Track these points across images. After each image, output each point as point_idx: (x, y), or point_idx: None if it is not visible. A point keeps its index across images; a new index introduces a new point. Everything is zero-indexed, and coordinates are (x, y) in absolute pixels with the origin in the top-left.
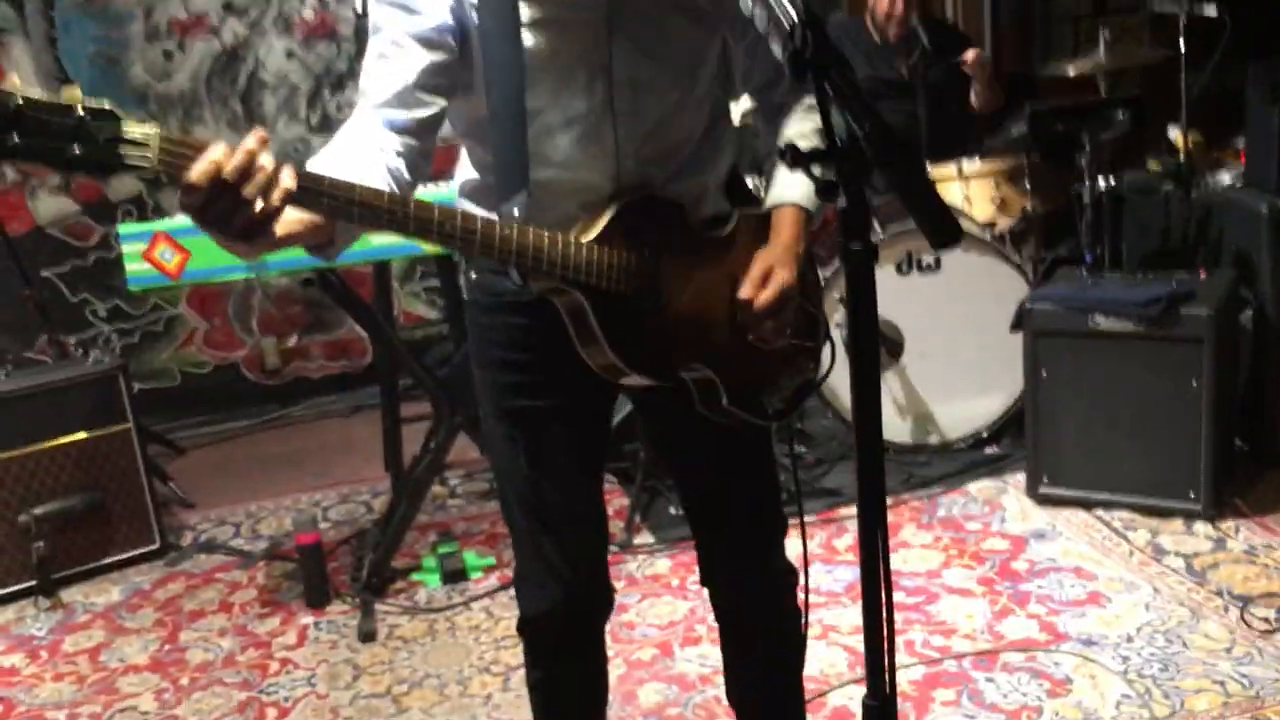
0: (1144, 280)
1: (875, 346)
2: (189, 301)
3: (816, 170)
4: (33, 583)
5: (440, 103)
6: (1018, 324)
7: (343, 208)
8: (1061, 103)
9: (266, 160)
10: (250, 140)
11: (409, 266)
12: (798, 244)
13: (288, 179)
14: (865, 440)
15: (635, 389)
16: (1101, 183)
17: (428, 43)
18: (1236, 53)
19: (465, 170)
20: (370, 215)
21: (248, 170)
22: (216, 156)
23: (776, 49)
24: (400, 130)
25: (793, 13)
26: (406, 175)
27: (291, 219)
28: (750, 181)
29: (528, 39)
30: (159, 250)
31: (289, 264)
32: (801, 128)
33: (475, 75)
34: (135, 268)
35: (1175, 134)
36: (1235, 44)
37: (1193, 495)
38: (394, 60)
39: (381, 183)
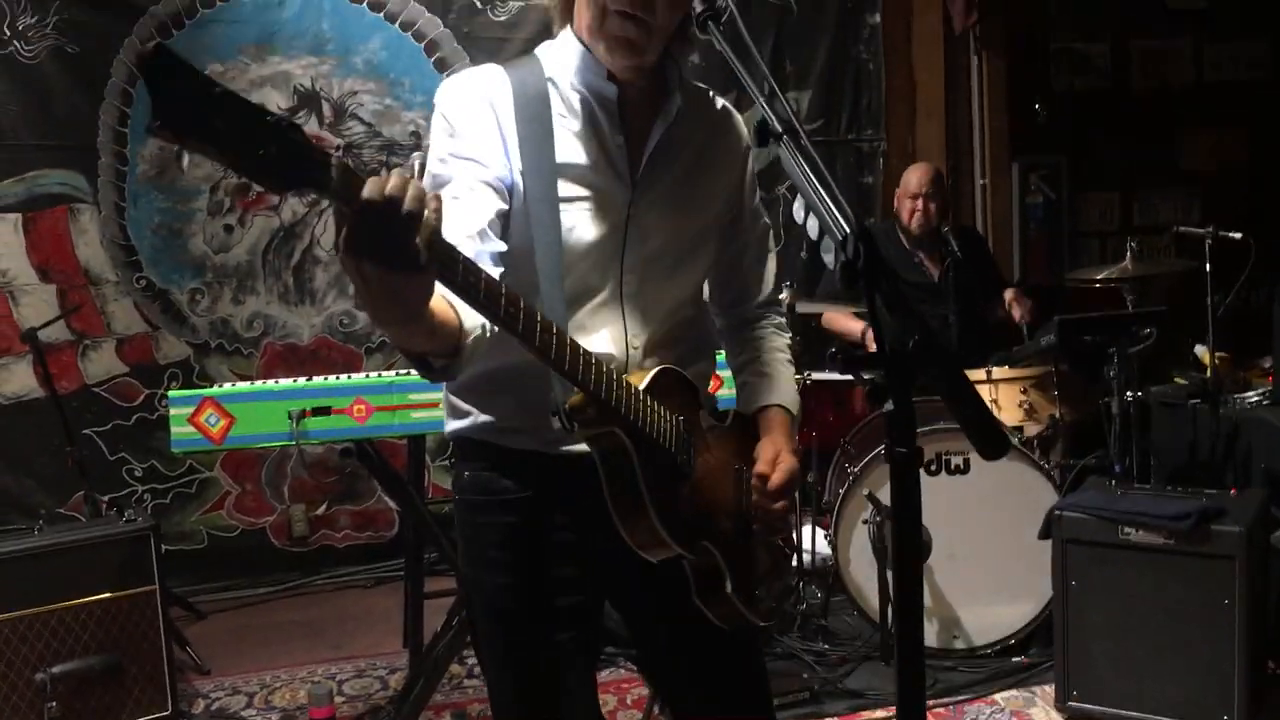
0: (1174, 494)
1: (919, 549)
2: (223, 465)
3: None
4: None
5: (503, 246)
6: (1047, 531)
7: (473, 285)
8: (1089, 315)
9: (414, 183)
10: (397, 171)
11: (441, 441)
12: (792, 441)
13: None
14: (906, 644)
15: (627, 582)
16: (1129, 395)
17: (494, 189)
18: (1263, 272)
19: None
20: (488, 301)
21: (402, 187)
22: (376, 179)
23: (828, 258)
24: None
25: (845, 225)
26: None
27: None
28: None
29: (562, 212)
30: (205, 415)
31: (328, 433)
32: (777, 343)
33: (525, 233)
34: (180, 430)
35: (1201, 351)
36: (1260, 263)
37: (1227, 718)
38: (466, 201)
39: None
